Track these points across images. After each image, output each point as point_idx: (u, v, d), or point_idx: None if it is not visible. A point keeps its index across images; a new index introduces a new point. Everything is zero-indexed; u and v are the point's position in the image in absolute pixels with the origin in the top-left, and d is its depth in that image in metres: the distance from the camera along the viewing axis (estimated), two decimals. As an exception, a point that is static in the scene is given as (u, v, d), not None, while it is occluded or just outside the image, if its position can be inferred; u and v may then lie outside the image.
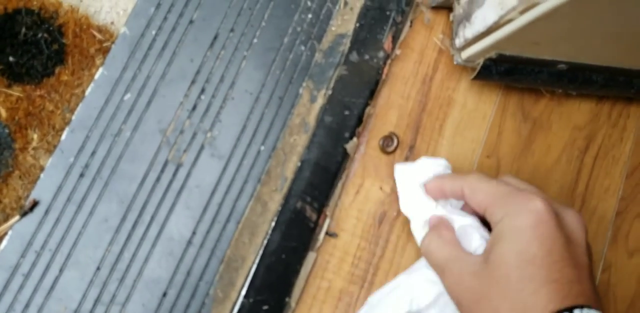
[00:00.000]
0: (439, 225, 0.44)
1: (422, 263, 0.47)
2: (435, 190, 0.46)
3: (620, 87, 0.58)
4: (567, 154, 0.59)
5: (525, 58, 0.53)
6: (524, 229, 0.36)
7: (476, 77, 0.55)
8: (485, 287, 0.36)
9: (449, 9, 0.58)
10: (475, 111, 0.58)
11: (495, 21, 0.49)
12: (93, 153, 0.49)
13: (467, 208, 0.47)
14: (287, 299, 0.49)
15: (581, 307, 0.33)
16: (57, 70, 0.51)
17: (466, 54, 0.55)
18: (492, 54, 0.52)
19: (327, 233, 0.52)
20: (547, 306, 0.33)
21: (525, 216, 0.37)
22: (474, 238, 0.42)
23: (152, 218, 0.49)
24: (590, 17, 0.46)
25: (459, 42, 0.55)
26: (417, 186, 0.48)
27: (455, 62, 0.56)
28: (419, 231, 0.48)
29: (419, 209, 0.48)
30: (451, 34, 0.58)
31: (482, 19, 0.51)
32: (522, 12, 0.46)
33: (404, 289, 0.45)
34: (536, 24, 0.46)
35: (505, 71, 0.54)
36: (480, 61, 0.53)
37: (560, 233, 0.36)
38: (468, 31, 0.53)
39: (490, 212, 0.40)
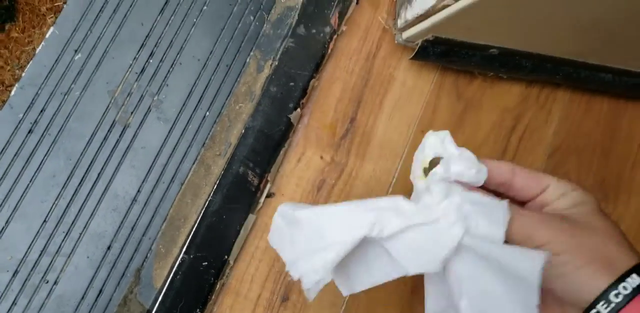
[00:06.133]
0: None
1: (393, 198, 0.44)
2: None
3: (547, 72, 0.68)
4: (495, 132, 0.70)
5: (460, 41, 0.62)
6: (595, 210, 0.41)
7: (414, 57, 0.64)
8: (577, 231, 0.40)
9: (395, -11, 0.67)
10: (414, 89, 0.68)
11: (433, 5, 0.58)
12: (42, 110, 0.56)
13: None
14: (226, 257, 0.57)
15: None
16: (7, 27, 0.57)
17: (406, 34, 0.64)
18: (430, 36, 0.61)
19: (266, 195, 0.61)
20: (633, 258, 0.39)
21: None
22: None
23: (99, 175, 0.56)
24: (518, 7, 0.56)
25: (400, 22, 0.64)
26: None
27: (396, 42, 0.65)
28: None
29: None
30: (394, 14, 0.67)
31: (422, 2, 0.60)
32: (457, -1, 0.56)
33: (362, 212, 0.43)
34: (469, 11, 0.56)
35: (441, 53, 0.64)
36: (419, 42, 0.63)
37: None
38: (409, 13, 0.62)
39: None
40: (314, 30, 0.64)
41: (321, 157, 0.63)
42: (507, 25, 0.60)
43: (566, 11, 0.57)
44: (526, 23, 0.60)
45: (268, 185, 0.60)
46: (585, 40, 0.63)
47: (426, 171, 0.43)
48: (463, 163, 0.42)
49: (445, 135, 0.45)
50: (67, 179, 0.55)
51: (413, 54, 0.64)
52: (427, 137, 0.45)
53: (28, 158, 0.55)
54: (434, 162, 0.43)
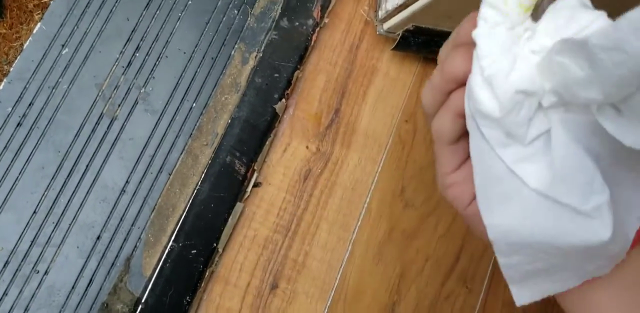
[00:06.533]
0: None
1: None
2: None
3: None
4: (478, 121, 0.70)
5: (440, 31, 0.63)
6: None
7: (396, 48, 0.65)
8: None
9: (376, -18, 0.68)
10: (397, 80, 0.69)
11: (412, -6, 0.59)
12: (30, 104, 0.56)
13: None
14: (214, 245, 0.58)
15: None
16: (-6, 23, 0.58)
17: (387, 25, 0.65)
18: (410, 26, 0.62)
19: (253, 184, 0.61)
20: None
21: None
22: None
23: (87, 167, 0.56)
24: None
25: (381, 13, 0.65)
26: None
27: (377, 33, 0.66)
28: None
29: None
30: (376, 6, 0.68)
31: (402, -8, 0.61)
32: (434, -13, 0.57)
33: None
34: (446, -1, 0.57)
35: (422, 43, 0.64)
36: (400, 32, 0.64)
37: None
38: (389, 4, 0.63)
39: None
40: (297, 23, 0.65)
41: (307, 147, 0.64)
42: (485, 13, 0.61)
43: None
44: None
45: (255, 175, 0.61)
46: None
47: (539, 3, 0.30)
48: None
49: None
50: (56, 171, 0.55)
51: (394, 45, 0.64)
52: None
53: (17, 151, 0.55)
54: None
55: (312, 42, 0.65)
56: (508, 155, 0.28)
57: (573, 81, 0.25)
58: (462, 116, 0.30)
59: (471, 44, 0.28)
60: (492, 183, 0.29)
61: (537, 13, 0.28)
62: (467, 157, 0.32)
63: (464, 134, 0.31)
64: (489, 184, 0.29)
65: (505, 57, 0.27)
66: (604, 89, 0.23)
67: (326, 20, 0.67)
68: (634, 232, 0.29)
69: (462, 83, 0.30)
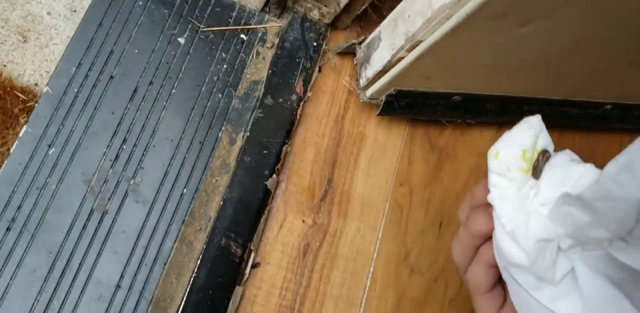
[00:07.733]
0: None
1: None
2: None
3: (513, 113, 0.67)
4: (474, 178, 0.67)
5: (422, 92, 0.61)
6: None
7: (381, 113, 0.63)
8: None
9: (353, 54, 0.67)
10: (386, 144, 0.66)
11: (389, 60, 0.57)
12: (19, 207, 0.54)
13: None
14: (217, 334, 0.53)
15: None
16: (-19, 130, 0.57)
17: (369, 92, 0.63)
18: (392, 90, 0.60)
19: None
20: None
21: None
22: None
23: (80, 265, 0.53)
24: (467, 52, 0.55)
25: (362, 82, 0.63)
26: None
27: (361, 100, 0.64)
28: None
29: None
30: (357, 76, 0.66)
31: (379, 59, 0.60)
32: (409, 50, 0.55)
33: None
34: (423, 59, 0.54)
35: (406, 105, 0.62)
36: (383, 98, 0.61)
37: None
38: (369, 71, 0.62)
39: None
40: (280, 100, 0.63)
41: (303, 221, 0.60)
42: (462, 70, 0.59)
43: (509, 53, 0.56)
44: (479, 67, 0.59)
45: (252, 255, 0.57)
46: (536, 77, 0.62)
47: (536, 165, 0.34)
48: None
49: (542, 128, 0.35)
50: (48, 272, 0.52)
51: (379, 110, 0.62)
52: (530, 125, 0.35)
53: (7, 256, 0.52)
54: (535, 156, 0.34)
55: (298, 116, 0.64)
56: (543, 296, 0.31)
57: (582, 226, 0.28)
58: (493, 266, 0.34)
59: (488, 205, 0.33)
60: None
61: (536, 172, 0.32)
62: (503, 302, 0.35)
63: (496, 282, 0.35)
64: None
65: (520, 213, 0.31)
66: (609, 228, 0.27)
67: (309, 93, 0.65)
68: None
69: (487, 238, 0.34)
